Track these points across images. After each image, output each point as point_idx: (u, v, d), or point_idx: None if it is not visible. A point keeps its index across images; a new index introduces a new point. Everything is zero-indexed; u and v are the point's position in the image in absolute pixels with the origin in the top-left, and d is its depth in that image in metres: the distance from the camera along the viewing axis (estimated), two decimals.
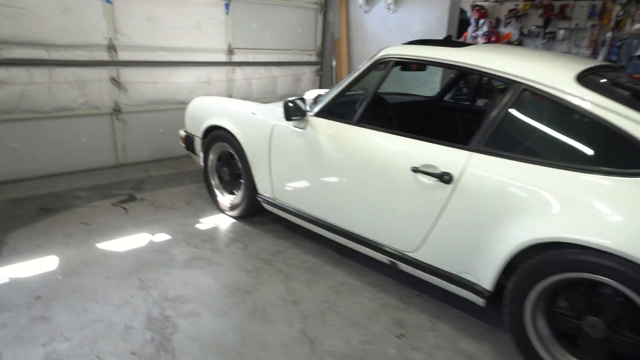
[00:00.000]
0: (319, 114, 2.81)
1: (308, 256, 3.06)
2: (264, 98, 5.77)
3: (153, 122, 4.89)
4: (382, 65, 2.63)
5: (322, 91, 4.67)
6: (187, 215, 3.59)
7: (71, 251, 2.94)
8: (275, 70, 5.77)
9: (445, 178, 2.17)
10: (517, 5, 7.76)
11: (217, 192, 3.71)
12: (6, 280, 2.60)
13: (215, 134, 3.50)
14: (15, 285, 2.55)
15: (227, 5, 5.07)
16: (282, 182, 3.06)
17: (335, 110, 2.80)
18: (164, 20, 4.64)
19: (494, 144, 2.13)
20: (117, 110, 4.57)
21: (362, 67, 2.70)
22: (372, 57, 2.67)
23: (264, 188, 3.21)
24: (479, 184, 2.09)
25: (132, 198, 3.88)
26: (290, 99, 2.72)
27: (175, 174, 4.57)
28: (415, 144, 2.36)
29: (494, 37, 8.09)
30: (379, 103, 3.16)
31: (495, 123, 2.14)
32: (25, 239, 3.07)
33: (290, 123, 2.87)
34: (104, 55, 4.35)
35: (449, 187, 2.18)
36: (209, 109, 3.60)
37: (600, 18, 6.89)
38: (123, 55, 4.46)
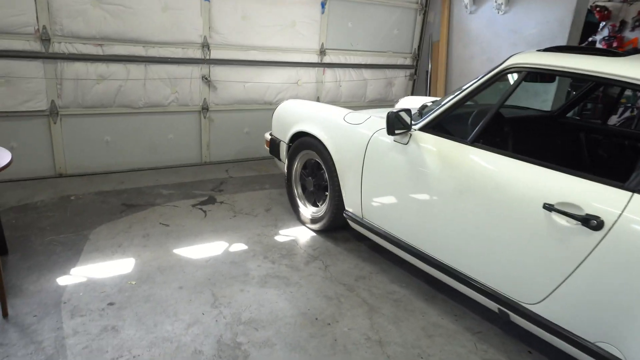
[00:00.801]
0: (425, 128, 2.43)
1: (395, 286, 2.69)
2: (353, 102, 5.48)
3: (239, 122, 4.79)
4: (510, 75, 2.19)
5: (426, 100, 4.28)
6: (266, 224, 3.38)
7: (148, 254, 2.83)
8: (366, 73, 5.44)
9: (592, 223, 1.70)
10: None
11: (299, 202, 3.46)
12: (84, 279, 2.53)
13: (303, 141, 3.25)
14: (91, 287, 2.47)
15: (323, 5, 4.83)
16: (373, 200, 2.72)
17: (445, 126, 2.40)
18: (258, 19, 4.50)
19: None
20: (205, 109, 4.52)
21: (483, 76, 2.28)
22: (498, 66, 2.23)
23: (351, 204, 2.90)
24: None
25: (212, 200, 3.76)
26: (395, 110, 2.36)
27: (256, 177, 4.41)
28: (550, 175, 1.90)
29: (615, 43, 7.12)
30: (499, 120, 2.70)
31: None
32: (107, 236, 3.03)
33: (391, 136, 2.52)
34: (197, 53, 4.30)
35: (596, 234, 1.71)
36: (299, 114, 3.35)
37: None
38: (215, 54, 4.39)
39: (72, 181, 3.95)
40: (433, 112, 2.43)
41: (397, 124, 2.37)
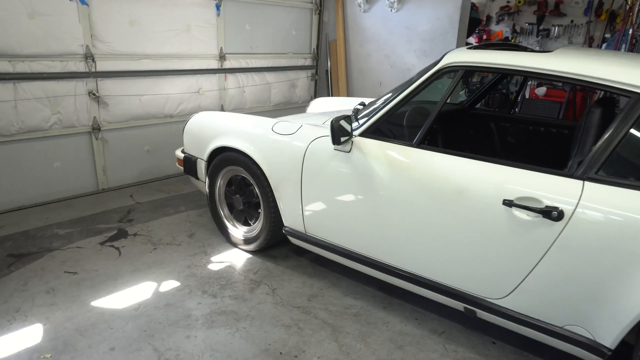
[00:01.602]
0: (366, 134, 2.33)
1: (350, 298, 2.58)
2: (258, 107, 5.25)
3: (137, 140, 4.28)
4: (448, 74, 2.19)
5: (338, 101, 4.22)
6: (194, 253, 3.03)
7: (59, 315, 2.34)
8: (269, 77, 5.25)
9: (553, 214, 1.74)
10: (509, 2, 7.55)
11: (227, 223, 3.17)
12: None
13: (226, 157, 2.96)
14: None
15: (217, 6, 4.51)
16: (317, 213, 2.57)
17: (386, 129, 2.33)
18: (149, 24, 4.04)
19: (615, 171, 1.72)
20: (96, 129, 3.94)
21: (420, 76, 2.25)
22: (434, 65, 2.22)
23: (292, 220, 2.71)
24: (601, 222, 1.68)
25: (122, 233, 3.28)
26: (337, 117, 2.22)
27: (167, 199, 3.98)
28: (503, 171, 1.93)
29: (485, 36, 7.86)
30: (441, 120, 2.71)
31: (613, 144, 1.73)
32: None
33: (332, 145, 2.38)
34: (80, 66, 3.72)
35: (557, 224, 1.76)
36: (216, 127, 3.05)
37: (596, 14, 6.74)
38: (102, 65, 3.84)
39: None
40: (372, 116, 2.35)
41: (340, 132, 2.24)
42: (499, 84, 3.48)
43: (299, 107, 5.79)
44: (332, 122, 2.20)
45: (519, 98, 5.12)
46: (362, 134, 2.34)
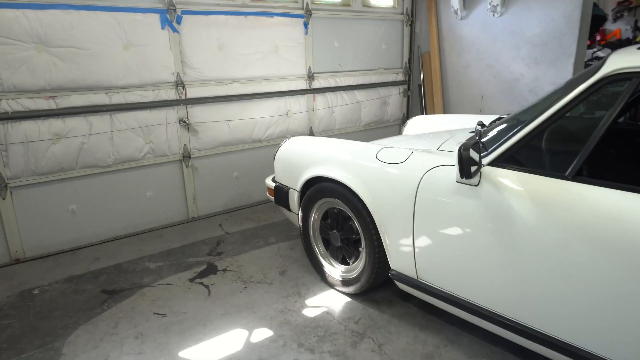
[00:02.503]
0: (498, 162, 1.88)
1: None
2: (348, 128, 4.94)
3: (226, 166, 4.15)
4: (614, 84, 1.68)
5: (437, 119, 3.77)
6: (287, 294, 2.73)
7: None
8: (359, 95, 4.93)
9: None
10: None
11: (322, 261, 2.84)
12: None
13: (321, 187, 2.65)
14: None
15: (305, 24, 4.30)
16: (433, 257, 2.14)
17: (526, 156, 1.86)
18: (237, 47, 3.92)
19: None
20: (186, 157, 3.86)
21: (573, 88, 1.75)
22: (592, 73, 1.72)
23: (400, 263, 2.31)
24: None
25: (212, 268, 3.08)
26: (465, 143, 1.80)
27: (257, 229, 3.76)
28: None
29: (598, 36, 6.92)
30: (608, 143, 2.17)
31: None
32: (87, 345, 2.31)
33: (454, 176, 1.96)
34: (171, 94, 3.66)
35: None
36: (310, 154, 2.76)
37: None
38: (192, 92, 3.76)
39: (33, 267, 3.19)
40: (506, 140, 1.89)
41: (470, 162, 1.80)
42: None
43: (390, 126, 5.41)
44: (459, 150, 1.78)
45: None
46: (492, 163, 1.89)
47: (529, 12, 4.32)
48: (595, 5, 4.29)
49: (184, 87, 3.71)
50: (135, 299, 2.73)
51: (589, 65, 4.20)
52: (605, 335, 1.63)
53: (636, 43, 6.17)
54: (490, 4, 4.53)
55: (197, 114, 3.84)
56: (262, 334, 2.36)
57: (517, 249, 1.79)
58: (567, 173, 1.69)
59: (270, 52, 4.13)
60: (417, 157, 2.21)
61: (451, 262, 2.07)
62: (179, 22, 3.60)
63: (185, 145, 3.84)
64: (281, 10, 4.10)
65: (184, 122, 3.76)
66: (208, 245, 3.46)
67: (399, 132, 5.57)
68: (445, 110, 5.28)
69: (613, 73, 1.66)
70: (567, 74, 4.13)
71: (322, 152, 2.70)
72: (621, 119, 2.87)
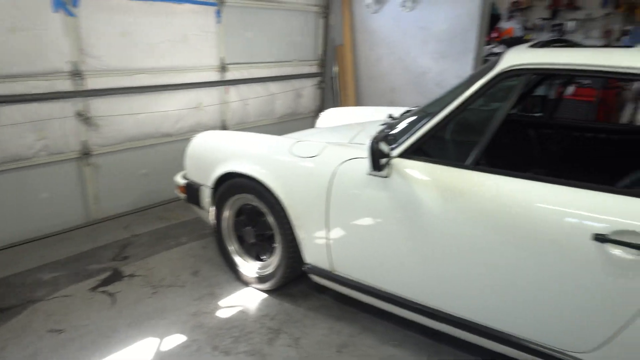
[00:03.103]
0: (407, 154, 1.92)
1: (389, 347, 2.17)
2: (262, 120, 4.85)
3: (133, 163, 3.87)
4: (509, 79, 1.77)
5: (350, 111, 3.81)
6: (201, 295, 2.61)
7: None
8: (273, 87, 4.85)
9: None
10: None
11: (236, 259, 2.75)
12: None
13: (234, 183, 2.56)
14: None
15: (218, 13, 4.12)
16: (347, 249, 2.16)
17: (432, 148, 1.92)
18: (143, 35, 3.65)
19: None
20: (86, 154, 3.53)
21: (473, 83, 1.83)
22: (490, 69, 1.80)
23: (315, 256, 2.30)
24: None
25: (117, 275, 2.86)
26: (377, 135, 1.81)
27: (167, 229, 3.56)
28: (589, 197, 1.52)
29: (494, 33, 7.45)
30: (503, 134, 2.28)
31: None
32: None
33: (367, 169, 1.98)
34: (67, 85, 3.31)
35: None
36: (223, 149, 2.65)
37: (615, 6, 6.34)
38: (93, 83, 3.44)
39: None
40: (414, 133, 1.94)
41: (380, 155, 1.82)
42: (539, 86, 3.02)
43: (305, 118, 5.40)
44: (371, 143, 1.79)
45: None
46: (402, 155, 1.93)
47: (437, 9, 4.52)
48: (493, 4, 4.59)
49: (82, 77, 3.38)
50: (26, 316, 2.45)
51: (486, 60, 4.50)
52: (507, 312, 1.74)
53: (526, 41, 6.73)
54: None
55: (99, 106, 3.52)
56: (174, 340, 2.23)
57: (425, 236, 1.86)
58: (467, 162, 1.77)
59: (179, 41, 3.90)
60: (331, 150, 2.21)
61: (365, 253, 2.10)
62: (75, 5, 3.25)
63: (84, 141, 3.51)
64: None
65: (84, 115, 3.44)
66: (113, 249, 3.21)
67: (313, 125, 5.59)
68: (357, 103, 5.38)
69: (508, 69, 1.76)
70: (469, 68, 4.39)
71: (234, 147, 2.61)
72: (514, 111, 3.10)
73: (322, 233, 2.21)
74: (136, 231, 3.50)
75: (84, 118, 3.45)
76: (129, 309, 2.49)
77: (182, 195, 3.01)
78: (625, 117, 4.33)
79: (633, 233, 1.40)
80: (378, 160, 1.82)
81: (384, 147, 1.84)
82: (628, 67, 1.54)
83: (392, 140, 2.00)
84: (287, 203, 2.30)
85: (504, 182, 1.69)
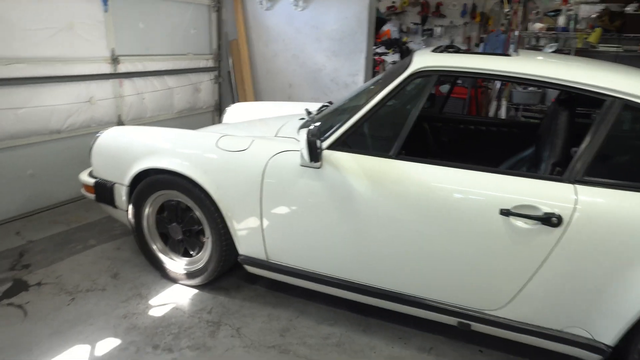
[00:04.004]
0: (334, 146, 2.12)
1: (326, 326, 2.37)
2: (160, 115, 4.67)
3: (17, 163, 3.46)
4: (419, 80, 2.08)
5: (254, 106, 3.89)
6: (127, 297, 2.52)
7: None
8: (170, 81, 4.69)
9: (552, 221, 1.75)
10: (394, 2, 7.89)
11: (163, 257, 2.70)
12: None
13: (155, 180, 2.51)
14: None
15: (104, 1, 3.85)
16: (282, 238, 2.30)
17: (354, 140, 2.15)
18: (20, 20, 3.27)
19: (601, 173, 1.77)
20: None
21: (388, 83, 2.09)
22: (403, 70, 2.09)
23: (249, 247, 2.39)
24: (599, 224, 1.72)
25: (21, 285, 2.60)
26: (311, 129, 1.97)
27: (69, 232, 3.29)
28: (491, 179, 1.89)
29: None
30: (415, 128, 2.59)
31: (596, 146, 1.78)
32: None
33: (299, 161, 2.13)
34: None
35: (556, 230, 1.77)
36: (139, 145, 2.57)
37: (471, 16, 7.37)
38: None
39: None
40: (339, 127, 2.14)
41: (315, 147, 1.99)
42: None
43: (204, 113, 5.33)
44: (308, 136, 1.95)
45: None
46: (331, 147, 2.13)
47: (327, 10, 4.81)
48: (377, 9, 5.04)
49: None
50: None
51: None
52: (431, 281, 2.06)
53: (404, 43, 7.48)
54: None
55: None
56: (108, 344, 2.15)
57: (356, 219, 2.09)
58: (390, 153, 2.04)
59: (63, 29, 3.57)
60: (260, 144, 2.31)
61: (300, 239, 2.26)
62: None
63: None
64: None
65: None
66: (8, 258, 2.88)
67: (213, 119, 5.54)
68: (256, 98, 5.47)
69: (419, 70, 2.06)
70: (360, 66, 4.78)
71: (152, 142, 2.55)
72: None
73: (256, 224, 2.31)
74: (31, 237, 3.17)
75: None
76: (46, 320, 2.30)
77: (90, 195, 2.83)
78: (491, 112, 5.15)
79: (528, 207, 1.79)
80: (316, 152, 1.99)
81: (317, 140, 2.02)
82: (512, 72, 1.94)
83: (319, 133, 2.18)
84: (217, 197, 2.34)
85: (423, 169, 1.99)
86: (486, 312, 1.99)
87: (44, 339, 2.17)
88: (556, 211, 1.75)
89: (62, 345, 2.13)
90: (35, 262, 2.84)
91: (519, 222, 1.81)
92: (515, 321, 1.94)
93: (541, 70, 1.92)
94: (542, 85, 1.95)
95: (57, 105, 3.63)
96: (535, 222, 1.78)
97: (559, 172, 1.85)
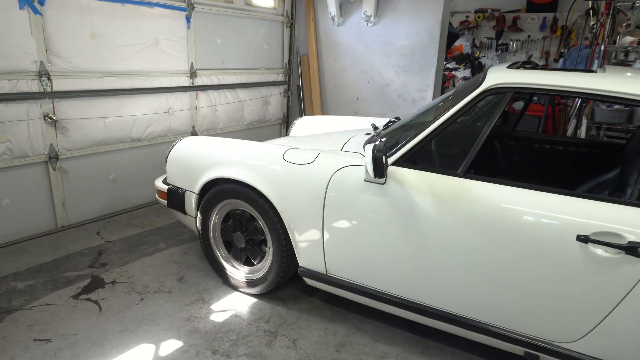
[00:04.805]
0: (400, 162, 2.09)
1: (382, 344, 2.31)
2: (231, 126, 4.87)
3: (101, 168, 3.76)
4: (492, 97, 1.99)
5: (322, 120, 3.94)
6: (190, 301, 2.62)
7: None
8: (242, 94, 4.89)
9: (639, 251, 1.58)
10: (468, 17, 7.69)
11: (225, 264, 2.79)
12: None
13: (222, 189, 2.60)
14: None
15: (187, 18, 4.11)
16: (343, 252, 2.28)
17: (421, 157, 2.09)
18: (113, 37, 3.58)
19: None
20: (53, 157, 3.40)
21: (460, 99, 2.03)
22: (476, 86, 2.01)
23: (309, 259, 2.40)
24: None
25: (98, 282, 2.80)
26: (377, 145, 1.94)
27: (142, 235, 3.50)
28: (567, 202, 1.75)
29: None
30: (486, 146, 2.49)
31: None
32: None
33: (363, 176, 2.11)
34: (33, 86, 3.19)
35: None
36: (210, 155, 2.68)
37: (551, 30, 6.99)
38: (60, 84, 3.33)
39: None
40: (406, 143, 2.10)
41: (382, 163, 1.96)
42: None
43: (272, 125, 5.48)
44: (373, 152, 1.92)
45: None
46: (396, 163, 2.09)
47: (398, 25, 4.78)
48: (450, 24, 4.94)
49: (49, 78, 3.26)
50: (5, 326, 2.34)
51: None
52: (498, 307, 1.94)
53: (476, 58, 7.25)
54: (364, 13, 4.89)
55: (67, 109, 3.41)
56: (171, 345, 2.24)
57: (420, 238, 2.02)
58: (459, 171, 1.96)
59: (150, 44, 3.86)
60: (325, 158, 2.32)
61: (360, 255, 2.23)
62: (41, 4, 3.15)
63: (51, 144, 3.38)
64: (162, 1, 3.85)
65: (50, 118, 3.31)
66: (88, 256, 3.12)
67: (281, 132, 5.69)
68: (323, 111, 5.55)
69: (493, 87, 1.97)
70: (430, 82, 4.69)
71: (223, 153, 2.65)
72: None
73: (317, 237, 2.31)
74: (109, 237, 3.41)
75: (51, 121, 3.32)
76: (118, 316, 2.45)
77: (163, 201, 2.99)
78: (569, 131, 4.83)
79: (610, 234, 1.64)
80: (381, 168, 1.95)
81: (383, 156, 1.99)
82: (596, 90, 1.80)
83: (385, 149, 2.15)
84: (280, 208, 2.38)
85: (493, 189, 1.89)
86: (558, 344, 1.84)
87: (115, 335, 2.30)
88: None
89: (130, 343, 2.24)
90: (111, 262, 3.04)
91: (599, 250, 1.66)
92: (589, 357, 1.77)
93: (630, 88, 1.76)
94: (630, 104, 1.78)
95: (139, 115, 3.90)
96: (619, 251, 1.63)
97: None
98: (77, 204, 3.63)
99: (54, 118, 3.33)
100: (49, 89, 3.27)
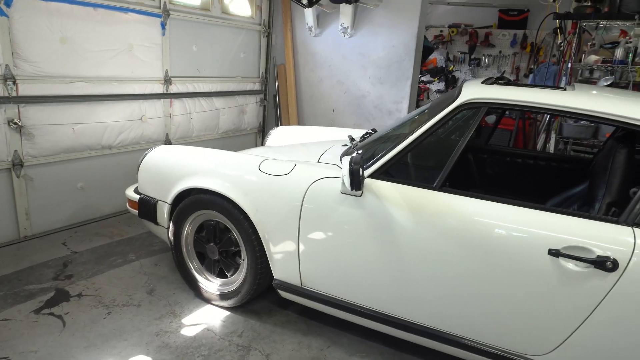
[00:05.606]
0: (377, 175, 2.09)
1: (357, 358, 2.29)
2: (206, 135, 4.80)
3: (69, 176, 3.64)
4: (467, 111, 2.02)
5: (296, 130, 3.93)
6: (160, 315, 2.54)
7: None
8: (217, 102, 4.83)
9: (607, 265, 1.62)
10: (442, 31, 7.86)
11: (198, 276, 2.72)
12: None
13: (196, 199, 2.55)
14: None
15: (163, 25, 4.05)
16: (318, 265, 2.25)
17: (400, 170, 2.10)
18: (85, 42, 3.48)
19: None
20: (17, 164, 3.27)
21: (435, 114, 2.05)
22: (452, 101, 2.03)
23: (284, 272, 2.36)
24: None
25: (63, 295, 2.68)
26: (354, 157, 1.94)
27: (110, 245, 3.39)
28: (539, 216, 1.79)
29: None
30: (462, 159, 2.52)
31: None
32: None
33: (339, 188, 2.10)
34: None
35: (611, 275, 1.64)
36: (183, 165, 2.63)
37: (521, 47, 7.22)
38: (26, 89, 3.21)
39: None
40: (383, 156, 2.11)
41: (358, 175, 1.95)
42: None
43: (248, 135, 5.44)
44: (350, 164, 1.92)
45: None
46: (372, 175, 2.09)
47: (375, 37, 4.84)
48: (425, 37, 5.03)
49: (14, 83, 3.14)
50: None
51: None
52: (470, 320, 1.95)
53: (450, 71, 7.41)
54: (341, 25, 4.93)
55: (34, 115, 3.29)
56: None
57: (395, 250, 2.02)
58: (434, 184, 1.98)
59: (123, 50, 3.77)
60: (302, 169, 2.30)
61: (335, 267, 2.21)
62: (8, 5, 3.04)
63: (16, 151, 3.24)
64: (137, 7, 3.79)
65: (15, 123, 3.18)
66: (52, 268, 2.99)
67: (256, 141, 5.65)
68: (299, 121, 5.54)
69: (467, 102, 2.00)
70: (406, 94, 4.75)
71: (197, 163, 2.60)
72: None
73: (292, 249, 2.28)
74: (76, 248, 3.29)
75: (16, 126, 3.20)
76: (83, 332, 2.35)
77: (134, 211, 2.91)
78: (539, 145, 4.97)
79: (580, 248, 1.68)
80: (358, 180, 1.95)
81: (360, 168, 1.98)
82: (565, 107, 1.85)
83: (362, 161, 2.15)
84: (256, 220, 2.35)
85: (467, 202, 1.91)
86: (529, 356, 1.86)
87: (80, 351, 2.20)
88: (611, 255, 1.63)
89: (96, 359, 2.15)
90: (77, 273, 2.93)
91: (570, 264, 1.69)
92: None
93: (598, 106, 1.82)
94: (598, 121, 1.84)
95: (111, 122, 3.80)
96: (587, 265, 1.66)
97: (616, 213, 1.73)
98: (42, 213, 3.49)
99: (19, 123, 3.21)
100: (14, 94, 3.15)
